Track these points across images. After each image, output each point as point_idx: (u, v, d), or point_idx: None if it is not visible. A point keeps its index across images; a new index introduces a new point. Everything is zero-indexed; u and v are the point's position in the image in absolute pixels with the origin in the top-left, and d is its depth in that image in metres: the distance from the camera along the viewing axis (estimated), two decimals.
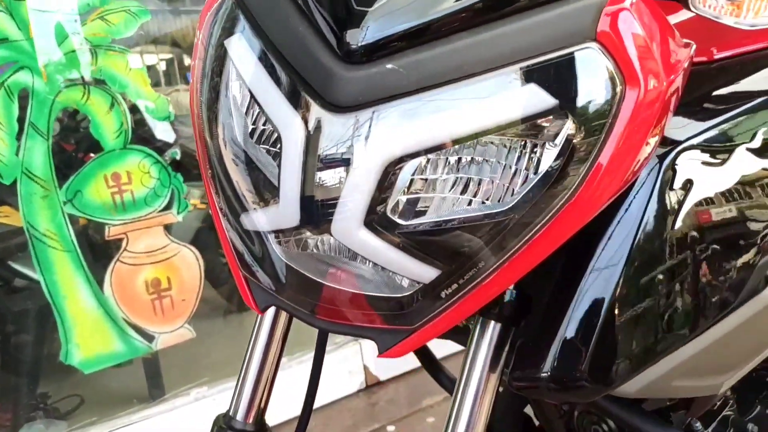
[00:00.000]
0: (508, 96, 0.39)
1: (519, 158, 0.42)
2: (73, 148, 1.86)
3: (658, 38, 0.42)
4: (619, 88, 0.40)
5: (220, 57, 0.48)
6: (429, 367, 1.16)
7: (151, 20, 1.90)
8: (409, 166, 0.40)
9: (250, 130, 0.46)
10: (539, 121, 0.40)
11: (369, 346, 2.35)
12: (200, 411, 1.91)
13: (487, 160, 0.42)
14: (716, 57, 0.60)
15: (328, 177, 0.41)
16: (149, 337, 1.89)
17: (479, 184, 0.43)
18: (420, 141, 0.40)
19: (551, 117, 0.41)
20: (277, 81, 0.43)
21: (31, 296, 1.85)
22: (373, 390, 2.34)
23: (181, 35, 2.29)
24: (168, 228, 1.94)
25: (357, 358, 2.32)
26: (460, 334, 0.78)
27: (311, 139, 0.41)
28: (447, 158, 0.41)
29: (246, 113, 0.46)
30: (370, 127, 0.40)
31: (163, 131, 1.96)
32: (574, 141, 0.41)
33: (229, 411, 0.65)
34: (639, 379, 0.54)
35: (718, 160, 0.52)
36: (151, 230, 1.89)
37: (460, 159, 0.42)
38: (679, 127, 0.53)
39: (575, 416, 0.79)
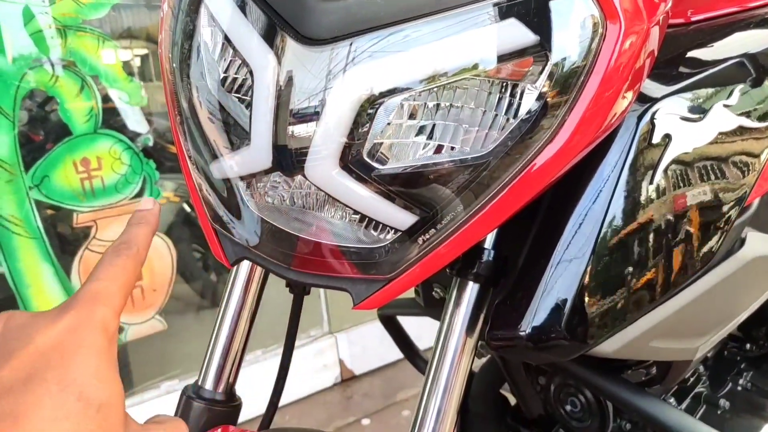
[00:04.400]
0: (488, 30, 0.38)
1: (498, 102, 0.41)
2: (41, 132, 1.81)
3: None
4: (600, 26, 0.40)
5: (192, 1, 0.46)
6: (405, 351, 1.15)
7: (125, 13, 1.86)
8: (386, 108, 0.39)
9: (222, 78, 0.44)
10: (519, 61, 0.39)
11: (344, 340, 2.33)
12: (171, 404, 1.87)
13: (465, 105, 0.41)
14: (692, 19, 0.60)
15: (302, 116, 0.39)
16: (119, 329, 1.84)
17: (457, 129, 0.41)
18: (397, 76, 0.38)
19: (531, 57, 0.40)
20: (251, 19, 0.41)
21: None
22: (348, 384, 2.32)
23: (156, 30, 2.24)
24: None
25: (332, 352, 2.30)
26: (438, 308, 0.77)
27: (285, 75, 0.39)
28: (425, 102, 0.40)
29: (219, 60, 0.44)
30: (346, 60, 0.38)
31: (135, 121, 1.91)
32: (554, 83, 0.40)
33: (198, 380, 0.62)
34: (617, 339, 0.53)
35: (696, 116, 0.51)
36: (122, 218, 1.84)
37: (438, 104, 0.41)
38: (657, 86, 0.52)
39: (552, 390, 0.79)
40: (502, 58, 0.39)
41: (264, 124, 0.40)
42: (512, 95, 0.41)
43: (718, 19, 0.61)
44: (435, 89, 0.40)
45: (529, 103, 0.41)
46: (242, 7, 0.42)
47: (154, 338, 1.90)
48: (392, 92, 0.39)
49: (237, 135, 0.43)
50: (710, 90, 0.52)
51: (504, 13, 0.38)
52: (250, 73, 0.41)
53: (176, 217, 2.39)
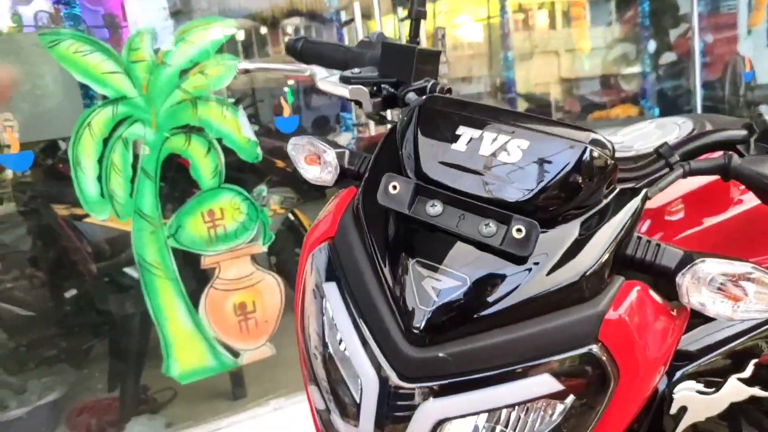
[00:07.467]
0: (529, 381, 0.54)
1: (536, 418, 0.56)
2: (175, 188, 2.12)
3: (650, 336, 0.54)
4: (613, 381, 0.53)
5: (320, 295, 0.64)
6: None
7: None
8: (455, 425, 0.56)
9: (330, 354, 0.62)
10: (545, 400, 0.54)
11: None
12: (279, 419, 2.17)
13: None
14: None
15: (396, 426, 0.57)
16: (235, 354, 2.15)
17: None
18: (461, 409, 0.55)
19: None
20: (360, 337, 0.59)
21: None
22: None
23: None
24: (253, 257, 2.18)
25: None
26: None
27: (383, 390, 0.57)
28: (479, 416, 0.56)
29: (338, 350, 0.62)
30: (424, 396, 0.55)
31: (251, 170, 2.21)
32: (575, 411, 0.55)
33: None
34: None
35: (711, 389, 0.63)
36: (240, 260, 2.13)
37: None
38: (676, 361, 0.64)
39: None
40: (536, 399, 0.54)
41: (368, 423, 0.58)
42: (545, 411, 0.56)
43: None
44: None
45: (558, 415, 0.56)
46: (353, 322, 0.60)
47: (265, 362, 2.19)
48: (459, 417, 0.55)
49: (349, 408, 0.61)
50: (725, 366, 0.64)
51: (540, 371, 0.53)
52: (359, 381, 0.59)
53: (282, 226, 2.71)
